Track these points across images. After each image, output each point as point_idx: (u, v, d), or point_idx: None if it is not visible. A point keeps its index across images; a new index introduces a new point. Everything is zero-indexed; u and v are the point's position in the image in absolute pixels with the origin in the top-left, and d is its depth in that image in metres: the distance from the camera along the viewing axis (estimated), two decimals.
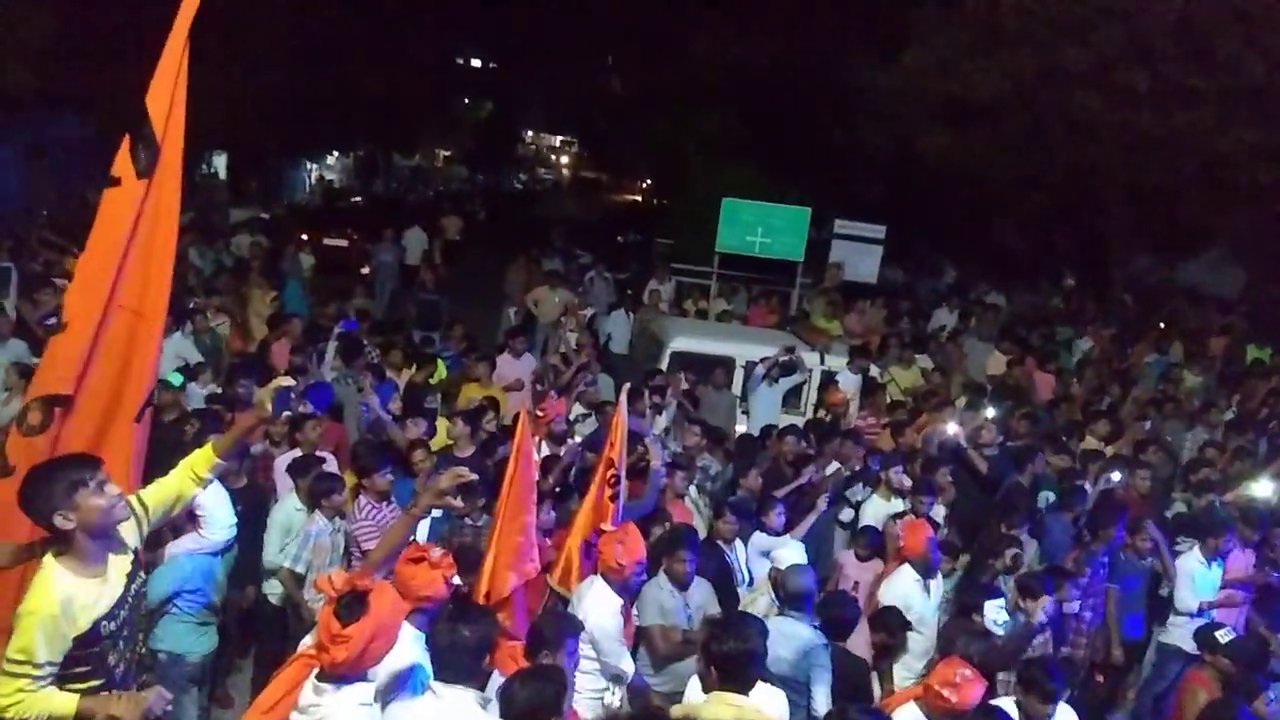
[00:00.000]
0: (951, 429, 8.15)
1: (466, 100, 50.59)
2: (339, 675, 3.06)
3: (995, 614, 5.15)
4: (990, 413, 8.84)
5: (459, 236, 22.64)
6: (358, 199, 31.97)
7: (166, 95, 3.71)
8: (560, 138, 65.71)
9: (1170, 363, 13.04)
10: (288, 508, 5.95)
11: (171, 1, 3.76)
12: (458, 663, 3.38)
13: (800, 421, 9.20)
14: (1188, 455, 9.85)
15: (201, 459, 3.48)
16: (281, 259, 15.01)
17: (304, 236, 19.62)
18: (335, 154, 38.43)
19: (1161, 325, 15.38)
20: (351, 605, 2.99)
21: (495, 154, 53.84)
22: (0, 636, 3.00)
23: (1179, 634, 6.81)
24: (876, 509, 7.33)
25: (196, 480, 3.46)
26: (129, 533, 3.22)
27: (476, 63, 49.98)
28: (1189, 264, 19.84)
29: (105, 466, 3.16)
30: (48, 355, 3.90)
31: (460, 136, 52.35)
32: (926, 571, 5.95)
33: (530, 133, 64.59)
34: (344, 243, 21.00)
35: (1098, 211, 17.29)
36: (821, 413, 9.70)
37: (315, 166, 36.15)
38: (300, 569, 5.61)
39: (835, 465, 7.78)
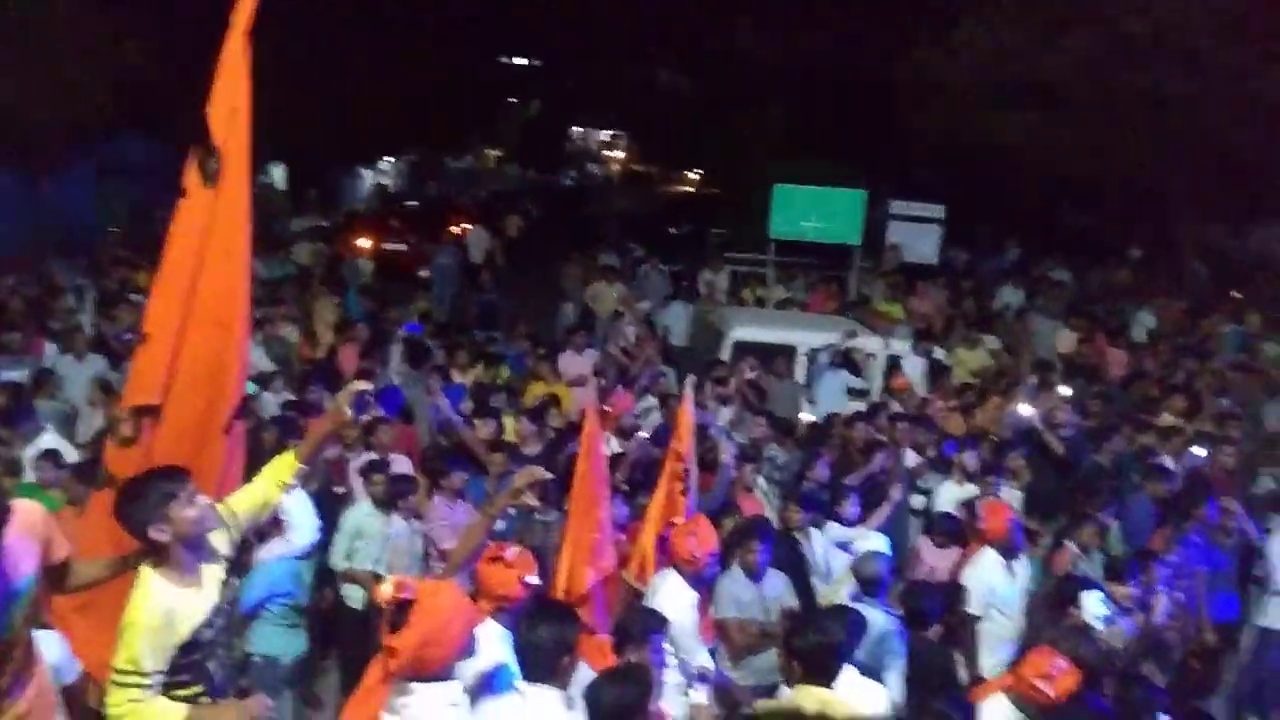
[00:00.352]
0: (1025, 410, 7.99)
1: (514, 99, 50.84)
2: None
3: (1095, 607, 5.00)
4: (1065, 391, 8.65)
5: (518, 234, 22.88)
6: (413, 203, 32.32)
7: (226, 102, 3.73)
8: (609, 132, 65.70)
9: (1248, 333, 12.62)
10: (359, 512, 6.04)
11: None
12: (539, 662, 3.41)
13: (865, 407, 9.10)
14: (1271, 428, 9.54)
15: (284, 465, 3.54)
16: (342, 266, 15.26)
17: (363, 242, 19.93)
18: (389, 159, 38.90)
19: (1237, 294, 14.91)
20: (395, 617, 3.00)
21: (545, 152, 54.04)
22: (106, 647, 3.09)
23: (1278, 615, 6.59)
24: (951, 494, 7.21)
25: (281, 486, 3.52)
26: (220, 541, 3.29)
27: (522, 60, 50.18)
28: (1261, 230, 19.17)
29: (194, 477, 3.23)
30: (133, 367, 3.99)
31: (510, 136, 52.64)
32: (1009, 553, 5.84)
33: (579, 129, 64.71)
34: (402, 247, 21.23)
35: (1163, 181, 16.78)
36: (887, 398, 9.58)
37: (370, 172, 36.62)
38: (382, 570, 5.70)
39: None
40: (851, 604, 4.92)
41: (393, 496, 5.88)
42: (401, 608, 3.00)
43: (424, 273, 17.94)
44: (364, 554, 5.87)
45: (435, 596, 3.07)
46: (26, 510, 2.91)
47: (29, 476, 6.06)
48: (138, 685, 3.00)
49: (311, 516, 4.91)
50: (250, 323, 4.12)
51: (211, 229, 3.76)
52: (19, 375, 8.21)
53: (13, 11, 12.52)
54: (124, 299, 10.29)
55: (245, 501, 3.45)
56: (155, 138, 16.72)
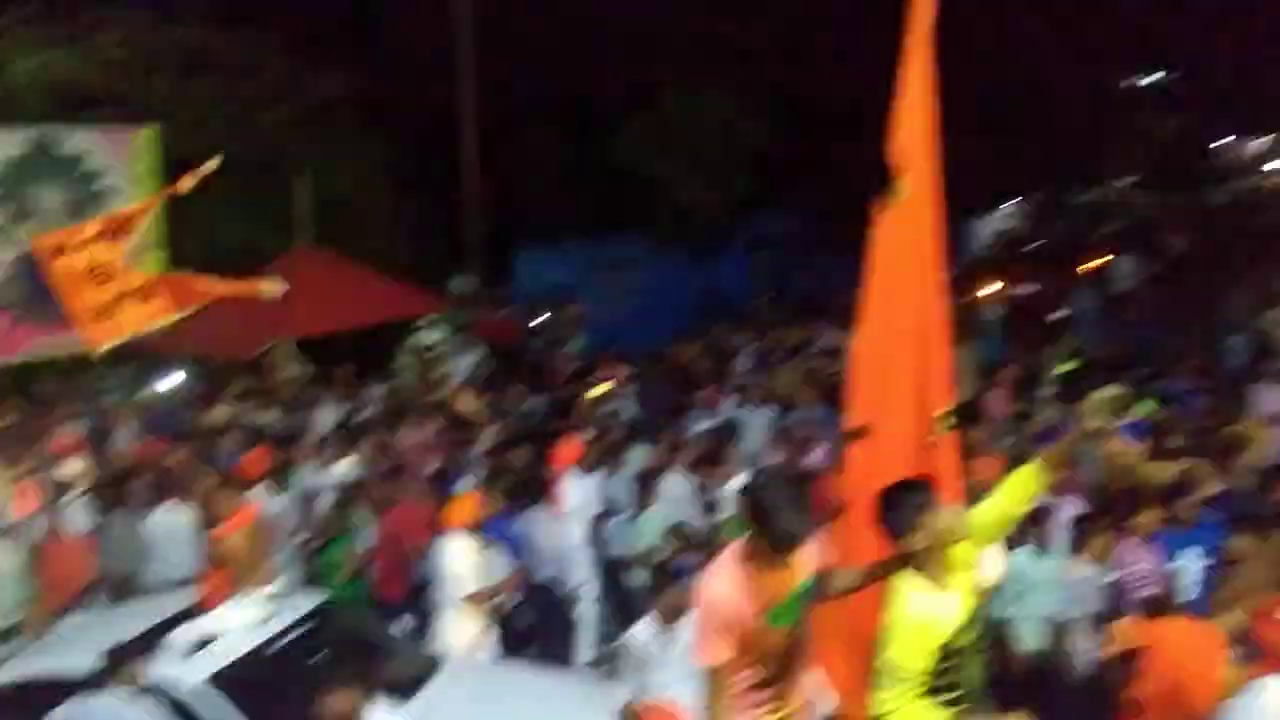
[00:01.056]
0: None
1: (1145, 118, 46.37)
2: None
3: None
4: None
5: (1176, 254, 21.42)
6: (1038, 243, 31.14)
7: (906, 126, 3.91)
8: (1267, 138, 56.39)
9: None
10: (1019, 559, 5.78)
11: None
12: None
13: None
14: None
15: (1029, 477, 3.39)
16: (972, 312, 15.18)
17: (990, 288, 19.64)
18: (1009, 203, 37.98)
19: None
20: (1123, 669, 2.97)
21: (1185, 172, 48.21)
22: (861, 652, 3.31)
23: None
24: None
25: (1026, 499, 3.44)
26: (967, 552, 3.33)
27: (1150, 77, 45.70)
28: None
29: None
30: (849, 393, 4.19)
31: (1142, 160, 48.06)
32: None
33: (1227, 141, 56.62)
34: (1031, 289, 20.53)
35: None
36: None
37: (989, 218, 36.10)
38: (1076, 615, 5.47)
39: None
40: None
41: (1077, 541, 5.63)
42: (1127, 658, 2.82)
43: (1058, 313, 17.09)
44: (1032, 601, 5.76)
45: (1165, 638, 2.81)
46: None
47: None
48: (902, 684, 3.16)
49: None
50: (950, 331, 4.05)
51: (902, 246, 3.94)
52: (708, 425, 9.50)
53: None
54: (781, 358, 11.42)
55: (988, 514, 3.42)
56: (792, 213, 18.69)
